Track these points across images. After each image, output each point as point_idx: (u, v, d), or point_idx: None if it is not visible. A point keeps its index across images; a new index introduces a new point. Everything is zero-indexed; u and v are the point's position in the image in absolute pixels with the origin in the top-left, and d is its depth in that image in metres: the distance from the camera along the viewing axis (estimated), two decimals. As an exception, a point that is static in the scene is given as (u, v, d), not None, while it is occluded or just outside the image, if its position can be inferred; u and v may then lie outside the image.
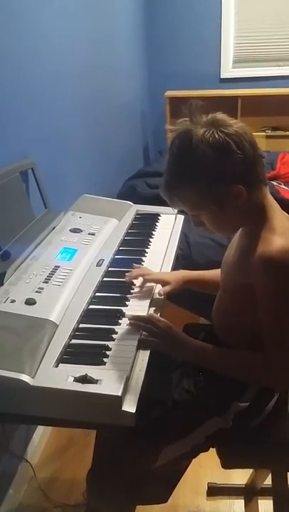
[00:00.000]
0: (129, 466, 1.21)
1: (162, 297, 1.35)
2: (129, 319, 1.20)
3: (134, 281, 1.40)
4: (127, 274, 1.40)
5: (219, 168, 1.06)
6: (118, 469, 1.22)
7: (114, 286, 1.39)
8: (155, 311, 1.30)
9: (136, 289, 1.37)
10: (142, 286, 1.38)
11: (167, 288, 1.35)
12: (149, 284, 1.38)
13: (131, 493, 1.24)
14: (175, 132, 1.10)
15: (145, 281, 1.38)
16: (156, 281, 1.38)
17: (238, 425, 1.22)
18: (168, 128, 1.12)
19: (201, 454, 1.27)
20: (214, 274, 1.43)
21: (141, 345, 1.14)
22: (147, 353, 1.12)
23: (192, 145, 1.06)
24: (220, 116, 1.10)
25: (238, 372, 1.17)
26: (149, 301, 1.33)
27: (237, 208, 1.10)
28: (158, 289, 1.37)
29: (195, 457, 1.27)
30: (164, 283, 1.37)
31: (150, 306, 1.32)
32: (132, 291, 1.36)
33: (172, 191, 1.13)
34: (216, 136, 1.05)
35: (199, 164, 1.06)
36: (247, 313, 1.15)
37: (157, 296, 1.36)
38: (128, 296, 1.34)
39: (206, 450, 1.27)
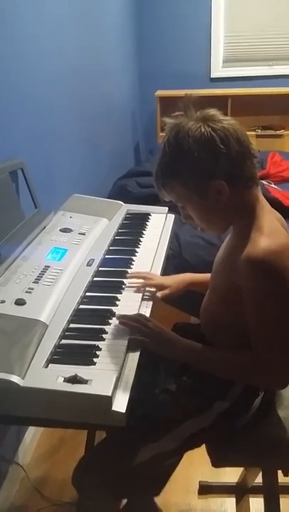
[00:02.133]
0: (110, 464, 1.20)
1: (155, 298, 1.35)
2: (118, 319, 1.20)
3: (135, 280, 1.39)
4: (130, 272, 1.41)
5: (202, 162, 1.08)
6: (100, 467, 1.22)
7: (105, 286, 1.39)
8: (146, 310, 1.30)
9: (126, 289, 1.37)
10: (132, 286, 1.38)
11: (166, 291, 1.37)
12: (148, 288, 1.38)
13: (113, 492, 1.23)
14: (169, 124, 1.13)
15: (146, 285, 1.38)
16: (156, 287, 1.38)
17: (225, 424, 1.23)
18: (163, 120, 1.15)
19: (192, 451, 1.27)
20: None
21: (131, 345, 1.14)
22: (137, 353, 1.12)
23: (179, 137, 1.09)
24: (212, 112, 1.12)
25: (227, 371, 1.18)
26: (139, 300, 1.33)
27: (221, 204, 1.11)
28: (152, 289, 1.37)
29: (182, 455, 1.27)
30: (163, 288, 1.38)
31: (140, 306, 1.31)
32: (122, 290, 1.36)
33: (160, 181, 1.16)
34: (202, 130, 1.07)
35: (184, 157, 1.09)
36: (234, 312, 1.15)
37: (148, 295, 1.36)
38: (118, 295, 1.34)
39: (192, 448, 1.27)
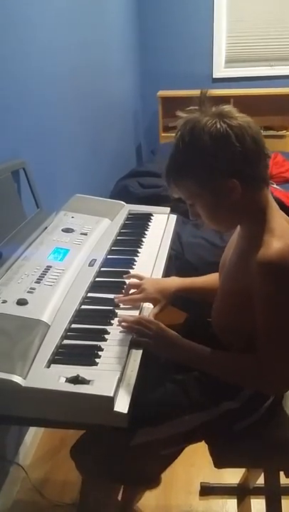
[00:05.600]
0: (109, 440, 1.20)
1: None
2: (119, 322, 1.19)
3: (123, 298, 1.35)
4: (116, 297, 1.33)
5: (216, 159, 1.05)
6: (98, 441, 1.21)
7: (107, 286, 1.39)
8: (147, 311, 1.30)
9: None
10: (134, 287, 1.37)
11: (156, 309, 1.31)
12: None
13: (112, 468, 1.23)
14: (183, 119, 1.10)
15: (133, 300, 1.32)
16: (145, 301, 1.34)
17: (230, 424, 1.22)
18: (177, 114, 1.12)
19: (193, 453, 1.27)
20: (205, 280, 1.42)
21: (133, 346, 1.13)
22: (139, 353, 1.12)
23: (193, 133, 1.06)
24: (228, 108, 1.09)
25: (228, 374, 1.17)
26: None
27: (232, 203, 1.09)
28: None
29: (181, 446, 1.26)
30: (153, 302, 1.33)
31: (142, 306, 1.31)
32: (124, 291, 1.36)
33: (172, 177, 1.13)
34: (218, 126, 1.05)
35: (198, 152, 1.06)
36: (244, 314, 1.14)
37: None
38: (120, 296, 1.33)
39: (193, 442, 1.26)
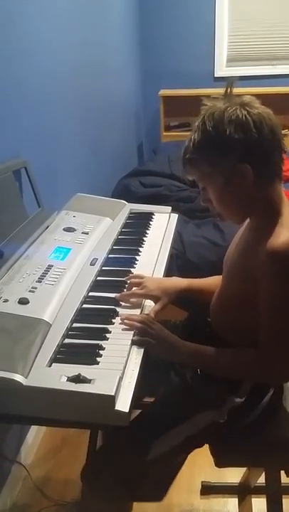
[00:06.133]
0: (123, 460, 1.20)
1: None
2: (123, 319, 1.20)
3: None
4: (119, 294, 1.33)
5: (232, 142, 1.07)
6: (111, 463, 1.22)
7: (108, 285, 1.39)
8: (148, 310, 1.30)
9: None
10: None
11: (157, 307, 1.32)
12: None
13: (126, 489, 1.23)
14: (207, 107, 1.13)
15: (134, 296, 1.33)
16: (146, 298, 1.34)
17: (231, 422, 1.22)
18: (203, 102, 1.15)
19: (195, 452, 1.27)
20: (208, 282, 1.42)
21: (135, 344, 1.13)
22: (141, 352, 1.12)
23: (214, 117, 1.09)
24: (250, 98, 1.12)
25: (231, 371, 1.18)
26: (142, 300, 1.33)
27: (243, 190, 1.10)
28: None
29: (189, 453, 1.26)
30: (154, 299, 1.34)
31: (144, 306, 1.31)
32: (125, 290, 1.36)
33: (188, 156, 1.14)
34: (238, 112, 1.07)
35: (215, 134, 1.08)
36: (246, 311, 1.15)
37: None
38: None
39: (200, 446, 1.27)
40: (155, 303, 1.33)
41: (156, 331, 1.17)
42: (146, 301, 1.33)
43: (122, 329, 1.18)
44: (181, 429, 1.21)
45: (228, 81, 1.15)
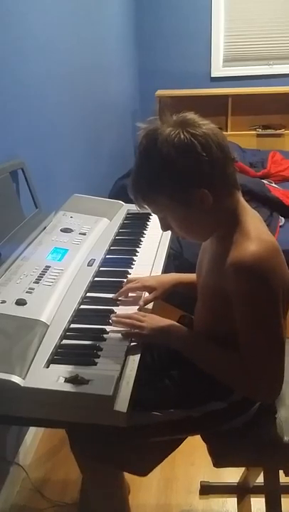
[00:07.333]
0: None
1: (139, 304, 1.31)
2: (112, 321, 1.20)
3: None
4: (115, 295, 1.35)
5: (183, 170, 1.02)
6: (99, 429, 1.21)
7: (106, 286, 1.39)
8: (146, 310, 1.30)
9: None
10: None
11: (150, 296, 1.32)
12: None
13: (105, 452, 1.23)
14: (143, 131, 1.07)
15: (131, 289, 1.34)
16: (141, 289, 1.34)
17: (218, 423, 1.22)
18: (137, 125, 1.08)
19: (193, 452, 1.27)
20: None
21: (131, 346, 1.13)
22: (138, 353, 1.12)
23: (157, 145, 1.02)
24: (190, 116, 1.06)
25: (217, 367, 1.15)
26: (140, 296, 1.33)
27: (204, 213, 1.07)
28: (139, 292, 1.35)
29: (173, 435, 1.26)
30: (149, 290, 1.34)
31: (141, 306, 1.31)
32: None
33: (140, 193, 1.09)
34: (182, 136, 1.01)
35: (163, 165, 1.02)
36: (223, 317, 1.12)
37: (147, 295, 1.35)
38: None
39: (188, 435, 1.26)
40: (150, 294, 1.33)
41: (146, 321, 1.17)
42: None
43: (120, 330, 1.18)
44: (158, 415, 1.20)
45: (162, 101, 1.09)
